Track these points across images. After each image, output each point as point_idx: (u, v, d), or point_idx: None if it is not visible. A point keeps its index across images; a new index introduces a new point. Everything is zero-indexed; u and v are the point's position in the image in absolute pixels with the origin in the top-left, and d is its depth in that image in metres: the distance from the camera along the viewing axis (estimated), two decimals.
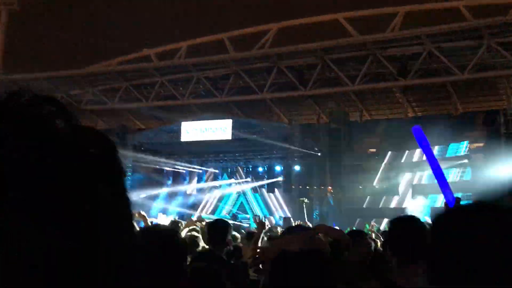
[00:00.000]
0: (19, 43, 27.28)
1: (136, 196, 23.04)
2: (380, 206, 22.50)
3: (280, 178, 27.23)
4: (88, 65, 28.06)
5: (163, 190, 29.29)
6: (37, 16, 36.03)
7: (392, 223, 2.87)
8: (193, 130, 25.53)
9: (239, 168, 28.75)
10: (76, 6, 38.23)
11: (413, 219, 2.89)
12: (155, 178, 28.76)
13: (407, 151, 22.55)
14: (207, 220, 6.66)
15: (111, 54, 30.15)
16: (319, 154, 24.32)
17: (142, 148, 28.84)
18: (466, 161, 20.69)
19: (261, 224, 4.74)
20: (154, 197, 26.98)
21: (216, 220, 5.18)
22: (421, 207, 21.50)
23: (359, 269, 3.63)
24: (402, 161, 22.53)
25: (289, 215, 24.02)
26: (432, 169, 6.49)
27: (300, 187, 25.78)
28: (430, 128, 23.14)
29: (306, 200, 20.81)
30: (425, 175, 21.71)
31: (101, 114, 28.75)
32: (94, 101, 28.42)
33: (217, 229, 4.43)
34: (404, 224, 2.84)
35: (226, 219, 6.98)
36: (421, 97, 24.88)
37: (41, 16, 37.59)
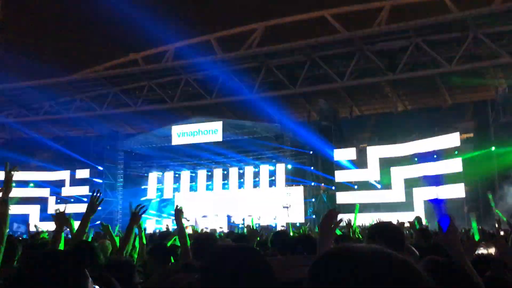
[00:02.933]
0: (5, 53, 26.94)
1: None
2: (376, 201, 22.48)
3: (273, 178, 27.18)
4: (75, 72, 27.83)
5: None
6: (21, 25, 35.73)
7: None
8: (183, 134, 25.52)
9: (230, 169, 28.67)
10: (62, 13, 37.92)
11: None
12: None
13: (397, 144, 22.59)
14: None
15: (97, 59, 29.94)
16: (310, 152, 24.34)
17: (133, 154, 28.76)
18: (456, 152, 20.76)
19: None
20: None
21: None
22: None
23: None
24: (393, 155, 22.53)
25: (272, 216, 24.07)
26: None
27: (293, 185, 25.75)
28: (420, 120, 23.36)
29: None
30: (416, 168, 21.79)
31: (91, 120, 28.52)
32: (84, 108, 28.22)
33: None
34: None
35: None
36: (410, 90, 24.94)
37: (25, 26, 37.27)
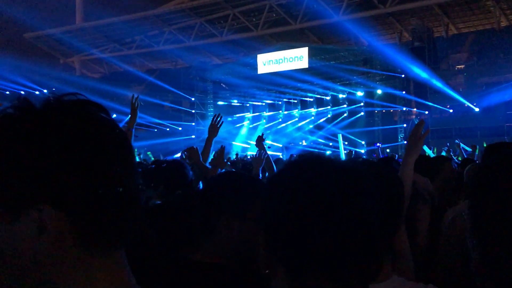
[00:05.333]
0: None
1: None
2: (471, 126, 21.28)
3: (362, 104, 26.53)
4: (162, 5, 28.34)
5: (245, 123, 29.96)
6: None
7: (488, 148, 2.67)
8: (269, 62, 25.36)
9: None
10: None
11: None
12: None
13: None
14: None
15: None
16: (402, 75, 23.20)
17: (222, 84, 29.34)
18: None
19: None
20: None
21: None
22: None
23: (444, 195, 3.47)
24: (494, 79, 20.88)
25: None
26: None
27: (384, 111, 24.99)
28: None
29: None
30: None
31: (180, 53, 29.26)
32: (172, 40, 28.95)
33: None
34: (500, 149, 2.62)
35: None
36: None
37: None
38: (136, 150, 11.00)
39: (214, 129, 4.21)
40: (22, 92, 25.97)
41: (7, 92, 25.73)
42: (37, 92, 26.40)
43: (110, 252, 0.72)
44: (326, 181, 0.84)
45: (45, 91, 26.45)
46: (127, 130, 3.51)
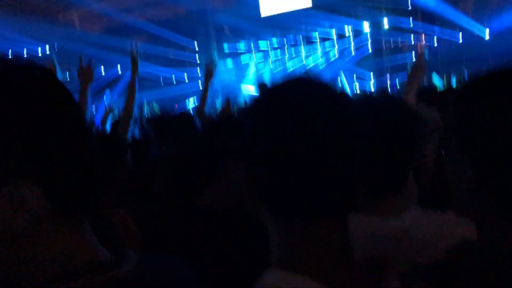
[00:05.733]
0: None
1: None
2: (482, 55, 20.70)
3: (369, 40, 25.89)
4: None
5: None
6: None
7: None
8: (271, 3, 24.65)
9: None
10: None
11: None
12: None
13: None
14: None
15: None
16: (409, 3, 22.42)
17: (224, 29, 28.79)
18: None
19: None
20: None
21: None
22: None
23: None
24: None
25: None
26: None
27: (392, 46, 24.42)
28: None
29: None
30: None
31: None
32: None
33: None
34: None
35: None
36: None
37: None
38: (144, 101, 11.01)
39: (209, 73, 4.24)
40: (25, 49, 25.76)
41: (9, 51, 25.59)
42: (39, 48, 26.24)
43: (77, 220, 0.78)
44: (309, 112, 0.76)
45: (46, 46, 26.26)
46: (130, 82, 3.55)
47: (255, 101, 0.86)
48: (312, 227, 0.78)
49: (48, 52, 26.39)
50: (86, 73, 3.50)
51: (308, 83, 0.84)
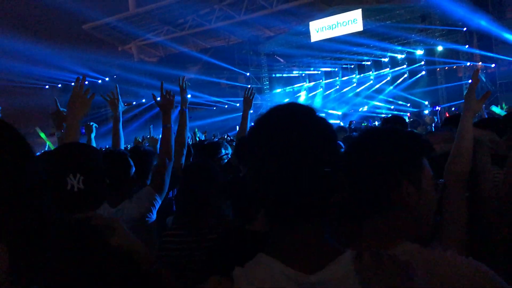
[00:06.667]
0: None
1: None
2: None
3: (422, 63, 25.47)
4: None
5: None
6: None
7: None
8: (322, 28, 24.76)
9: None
10: None
11: None
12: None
13: None
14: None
15: None
16: (464, 29, 21.92)
17: (275, 56, 29.17)
18: None
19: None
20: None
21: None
22: None
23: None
24: None
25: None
26: None
27: (446, 68, 23.84)
28: None
29: None
30: None
31: (232, 29, 29.29)
32: (223, 17, 28.99)
33: None
34: None
35: None
36: None
37: None
38: (196, 130, 11.29)
39: (247, 101, 4.28)
40: (86, 82, 27.19)
41: (73, 84, 27.01)
42: (99, 81, 27.57)
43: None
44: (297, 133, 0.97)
45: (106, 79, 27.57)
46: (181, 111, 3.62)
47: (251, 126, 1.08)
48: (295, 227, 1.00)
49: (107, 80, 27.82)
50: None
51: (288, 111, 1.03)
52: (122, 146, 3.72)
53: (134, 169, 2.89)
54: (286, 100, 28.68)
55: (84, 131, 4.14)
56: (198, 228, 2.36)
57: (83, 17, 28.69)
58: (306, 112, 1.02)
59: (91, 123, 4.25)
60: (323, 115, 1.03)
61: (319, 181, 0.96)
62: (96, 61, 26.41)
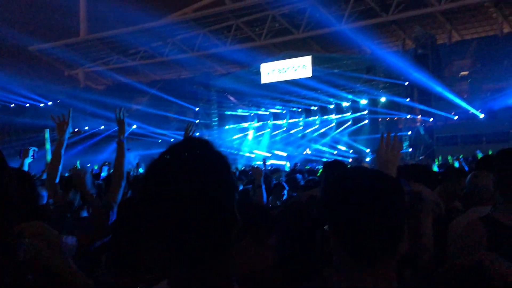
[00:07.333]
0: (101, 4, 28.21)
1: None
2: (476, 133, 21.17)
3: (366, 112, 26.49)
4: (165, 16, 28.51)
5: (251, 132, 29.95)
6: None
7: (503, 153, 2.31)
8: (272, 71, 25.36)
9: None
10: None
11: None
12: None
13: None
14: None
15: (185, 2, 30.29)
16: (406, 83, 23.16)
17: (225, 93, 29.38)
18: None
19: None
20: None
21: None
22: None
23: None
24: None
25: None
26: None
27: (388, 119, 24.92)
28: None
29: None
30: None
31: (184, 63, 29.40)
32: (176, 51, 29.10)
33: None
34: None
35: None
36: None
37: None
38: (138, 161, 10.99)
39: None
40: (27, 105, 26.15)
41: (12, 105, 25.87)
42: (41, 105, 26.56)
43: None
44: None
45: (49, 103, 26.60)
46: (118, 142, 3.52)
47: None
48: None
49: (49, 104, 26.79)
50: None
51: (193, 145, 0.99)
52: (60, 171, 3.55)
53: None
54: (236, 136, 28.79)
55: (21, 155, 4.33)
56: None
57: (30, 39, 27.90)
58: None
59: (31, 148, 4.30)
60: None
61: None
62: (40, 85, 25.53)
